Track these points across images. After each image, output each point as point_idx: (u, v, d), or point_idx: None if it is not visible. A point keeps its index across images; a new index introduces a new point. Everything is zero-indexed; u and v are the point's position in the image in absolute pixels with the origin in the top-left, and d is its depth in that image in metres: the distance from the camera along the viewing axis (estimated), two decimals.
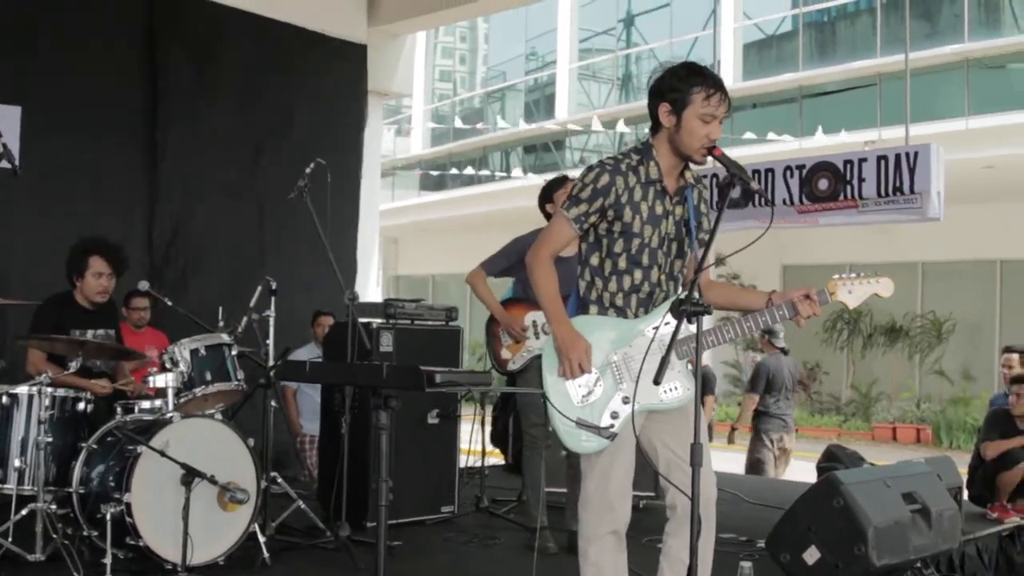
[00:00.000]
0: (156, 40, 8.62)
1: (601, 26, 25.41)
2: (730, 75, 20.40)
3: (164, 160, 8.63)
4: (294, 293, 8.63)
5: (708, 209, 3.80)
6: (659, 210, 3.62)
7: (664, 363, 3.13)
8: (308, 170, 5.74)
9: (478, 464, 8.50)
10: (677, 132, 3.54)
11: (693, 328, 3.18)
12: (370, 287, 10.91)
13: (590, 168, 3.64)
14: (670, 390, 3.48)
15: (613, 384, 3.51)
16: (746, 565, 5.00)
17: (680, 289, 3.65)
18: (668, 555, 3.69)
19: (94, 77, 8.12)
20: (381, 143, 12.77)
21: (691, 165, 3.67)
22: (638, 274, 3.61)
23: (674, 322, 3.28)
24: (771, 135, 17.40)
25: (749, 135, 17.71)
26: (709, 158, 3.56)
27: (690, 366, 3.51)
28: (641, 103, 21.48)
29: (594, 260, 3.66)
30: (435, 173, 27.87)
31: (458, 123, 26.29)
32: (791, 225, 8.26)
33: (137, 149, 8.52)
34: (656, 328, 3.47)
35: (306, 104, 9.53)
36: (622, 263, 3.61)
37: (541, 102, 27.73)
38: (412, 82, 12.34)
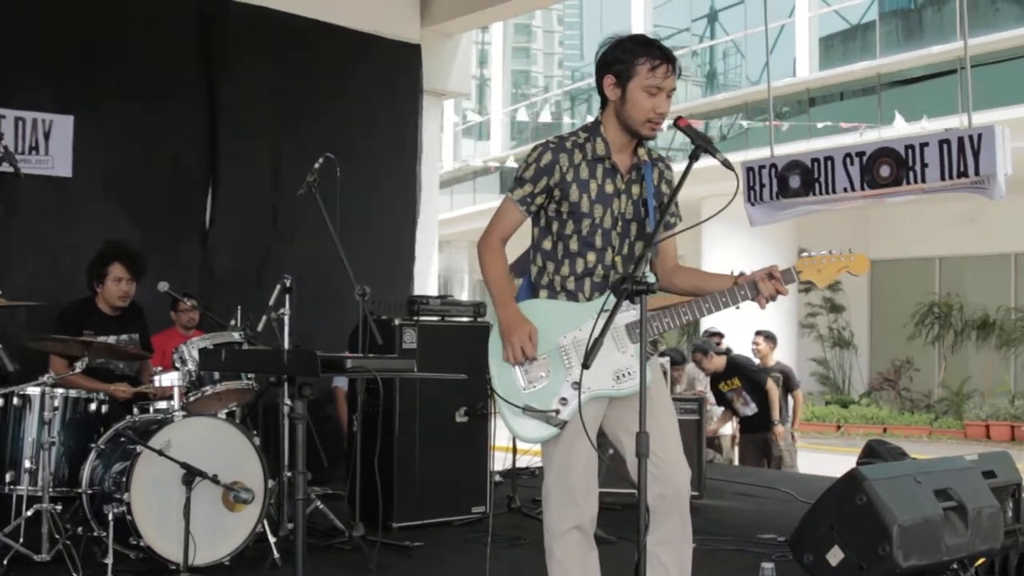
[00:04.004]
0: (208, 47, 8.63)
1: (677, 24, 25.05)
2: (806, 66, 19.90)
3: (216, 165, 8.65)
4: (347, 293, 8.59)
5: (669, 189, 3.59)
6: (609, 188, 3.46)
7: (596, 346, 2.93)
8: (316, 165, 5.66)
9: (532, 464, 8.41)
10: (623, 105, 3.40)
11: (635, 308, 2.98)
12: (430, 288, 10.84)
13: (535, 147, 3.50)
14: (623, 376, 3.29)
15: (562, 369, 3.34)
16: (767, 566, 4.77)
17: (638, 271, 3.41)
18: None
19: (147, 86, 8.14)
20: (441, 142, 12.70)
21: (646, 143, 3.52)
22: (591, 256, 3.45)
23: (627, 304, 3.10)
24: (845, 125, 16.87)
25: (825, 126, 17.22)
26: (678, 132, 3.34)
27: (655, 349, 3.33)
28: (720, 96, 21.35)
29: (546, 244, 3.53)
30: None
31: (522, 116, 26.04)
32: (852, 206, 8.00)
33: (191, 156, 8.54)
34: (605, 310, 3.26)
35: (361, 105, 9.47)
36: (574, 245, 3.46)
37: None
38: (469, 81, 12.19)
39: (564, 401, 3.29)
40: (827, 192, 7.22)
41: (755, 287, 3.33)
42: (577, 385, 3.22)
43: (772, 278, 3.32)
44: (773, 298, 3.30)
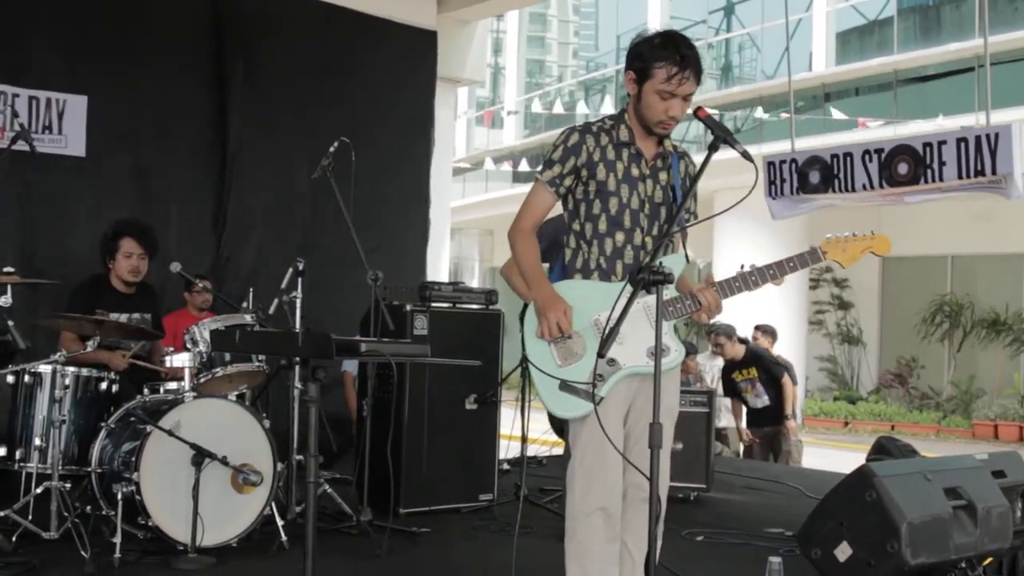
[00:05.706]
0: (221, 28, 8.60)
1: (694, 16, 24.97)
2: (822, 60, 19.81)
3: (231, 148, 8.63)
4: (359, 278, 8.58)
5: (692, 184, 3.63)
6: (635, 172, 3.52)
7: (611, 335, 2.94)
8: (332, 149, 5.64)
9: (540, 454, 8.43)
10: (638, 102, 3.48)
11: (652, 297, 2.99)
12: (441, 275, 10.84)
13: (563, 131, 3.57)
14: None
15: (597, 345, 3.34)
16: (775, 560, 4.75)
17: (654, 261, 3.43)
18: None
19: (160, 66, 8.12)
20: (455, 130, 12.69)
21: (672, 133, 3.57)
22: (620, 236, 3.50)
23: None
24: (863, 121, 16.78)
25: (839, 120, 17.15)
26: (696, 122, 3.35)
27: (677, 328, 3.35)
28: (735, 89, 21.27)
29: (576, 226, 3.58)
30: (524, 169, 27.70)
31: (538, 108, 26.01)
32: (870, 203, 8.00)
33: (203, 137, 8.53)
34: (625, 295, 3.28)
35: (375, 91, 9.45)
36: (602, 226, 3.51)
37: None
38: (484, 69, 12.18)
39: (600, 377, 3.33)
40: (846, 189, 7.25)
41: (696, 299, 3.39)
42: (613, 362, 3.26)
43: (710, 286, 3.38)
44: (711, 311, 3.35)
